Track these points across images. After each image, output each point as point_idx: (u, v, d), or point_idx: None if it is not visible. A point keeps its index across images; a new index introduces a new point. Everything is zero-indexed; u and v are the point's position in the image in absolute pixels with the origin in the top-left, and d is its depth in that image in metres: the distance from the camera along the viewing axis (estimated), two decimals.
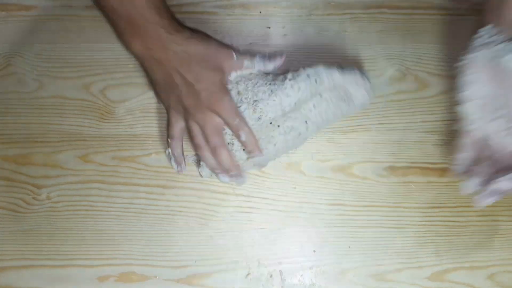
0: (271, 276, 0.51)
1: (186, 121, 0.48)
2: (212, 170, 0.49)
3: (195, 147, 0.49)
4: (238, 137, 0.47)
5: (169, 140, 0.50)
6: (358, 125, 0.53)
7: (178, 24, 0.47)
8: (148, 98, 0.53)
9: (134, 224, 0.51)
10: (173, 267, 0.51)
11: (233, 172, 0.49)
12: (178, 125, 0.49)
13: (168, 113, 0.50)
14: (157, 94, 0.51)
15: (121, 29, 0.46)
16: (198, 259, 0.51)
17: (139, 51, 0.46)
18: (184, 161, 0.51)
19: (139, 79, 0.54)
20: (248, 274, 0.51)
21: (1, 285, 0.50)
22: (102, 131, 0.53)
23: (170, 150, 0.50)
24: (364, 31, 0.55)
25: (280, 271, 0.51)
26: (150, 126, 0.53)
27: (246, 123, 0.47)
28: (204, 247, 0.51)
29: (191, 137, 0.49)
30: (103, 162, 0.52)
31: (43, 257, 0.51)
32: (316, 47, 0.54)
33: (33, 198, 0.52)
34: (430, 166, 0.53)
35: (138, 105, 0.53)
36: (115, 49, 0.54)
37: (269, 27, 0.55)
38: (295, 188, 0.52)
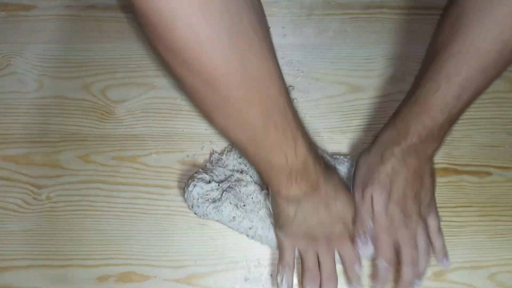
0: (271, 276, 0.51)
1: (306, 249, 0.47)
2: None
3: (307, 278, 0.47)
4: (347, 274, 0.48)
5: (281, 266, 0.48)
6: (358, 125, 0.53)
7: (326, 161, 0.48)
8: (148, 98, 0.53)
9: (134, 224, 0.51)
10: (173, 267, 0.51)
11: None
12: (293, 253, 0.48)
13: (283, 242, 0.48)
14: (288, 228, 0.47)
15: (277, 175, 0.43)
16: (198, 259, 0.51)
17: (293, 193, 0.44)
18: None
19: (139, 79, 0.54)
20: (248, 274, 0.51)
21: (1, 285, 0.50)
22: (102, 131, 0.53)
23: (280, 277, 0.48)
24: (364, 31, 0.55)
25: None
26: (150, 126, 0.53)
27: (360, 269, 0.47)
28: (204, 247, 0.51)
29: (305, 264, 0.48)
30: (103, 162, 0.52)
31: (43, 257, 0.51)
32: (316, 47, 0.54)
33: (33, 198, 0.52)
34: None
35: (138, 105, 0.53)
36: (115, 49, 0.54)
37: (269, 27, 0.55)
38: None
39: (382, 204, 0.45)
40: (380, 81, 0.54)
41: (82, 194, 0.52)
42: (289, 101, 0.40)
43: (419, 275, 0.46)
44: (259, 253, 0.51)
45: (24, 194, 0.52)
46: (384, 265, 0.46)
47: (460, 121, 0.53)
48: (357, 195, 0.47)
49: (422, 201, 0.46)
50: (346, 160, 0.51)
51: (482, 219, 0.52)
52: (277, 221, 0.47)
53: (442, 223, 0.51)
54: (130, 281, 0.50)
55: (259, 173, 0.45)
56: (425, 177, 0.46)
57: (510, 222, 0.52)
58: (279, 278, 0.48)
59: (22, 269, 0.51)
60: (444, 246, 0.48)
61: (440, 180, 0.52)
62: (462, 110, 0.43)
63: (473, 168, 0.53)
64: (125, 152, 0.53)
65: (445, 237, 0.51)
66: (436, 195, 0.52)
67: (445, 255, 0.48)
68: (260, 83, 0.36)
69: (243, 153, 0.43)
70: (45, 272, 0.51)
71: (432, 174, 0.47)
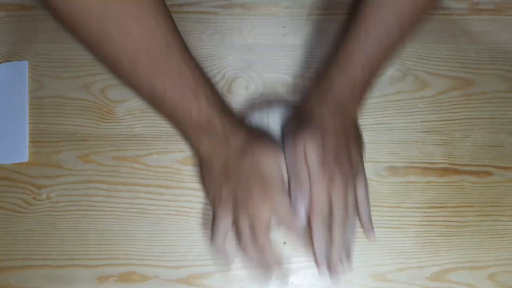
0: (271, 276, 0.51)
1: (235, 213, 0.45)
2: (253, 265, 0.46)
3: (241, 241, 0.46)
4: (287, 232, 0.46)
5: (212, 236, 0.47)
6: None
7: (233, 113, 0.47)
8: None
9: (134, 224, 0.51)
10: (173, 267, 0.51)
11: (275, 270, 0.46)
12: (225, 220, 0.46)
13: (214, 207, 0.47)
14: (208, 185, 0.48)
15: (186, 130, 0.45)
16: (198, 259, 0.51)
17: (205, 149, 0.45)
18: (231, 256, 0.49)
19: None
20: (248, 274, 0.51)
21: (1, 285, 0.50)
22: (102, 131, 0.53)
23: (215, 247, 0.47)
24: None
25: (281, 271, 0.51)
26: (150, 126, 0.53)
27: (295, 221, 0.45)
28: (204, 247, 0.51)
29: (237, 230, 0.46)
30: (103, 162, 0.52)
31: (43, 257, 0.51)
32: (316, 47, 0.54)
33: (33, 198, 0.52)
34: (430, 166, 0.53)
35: (138, 105, 0.53)
36: None
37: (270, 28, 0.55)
38: None
39: (318, 160, 0.43)
40: (380, 81, 0.54)
41: (82, 194, 0.52)
42: (186, 59, 0.41)
43: (347, 243, 0.45)
44: None
45: (24, 194, 0.52)
46: (319, 223, 0.44)
47: (460, 121, 0.53)
48: (290, 154, 0.45)
49: (352, 155, 0.45)
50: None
51: (482, 219, 0.52)
52: (204, 183, 0.48)
53: (442, 223, 0.52)
54: (130, 281, 0.50)
55: (175, 129, 0.46)
56: (352, 132, 0.47)
57: (510, 222, 0.52)
58: (213, 245, 0.47)
59: (22, 269, 0.51)
60: (370, 216, 0.47)
61: (440, 180, 0.52)
62: (380, 63, 0.45)
63: (473, 168, 0.53)
64: (125, 152, 0.53)
65: (445, 237, 0.51)
66: (436, 195, 0.52)
67: (371, 226, 0.47)
68: (143, 41, 0.38)
69: (154, 109, 0.45)
70: (45, 272, 0.51)
71: (359, 135, 0.48)
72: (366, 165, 0.52)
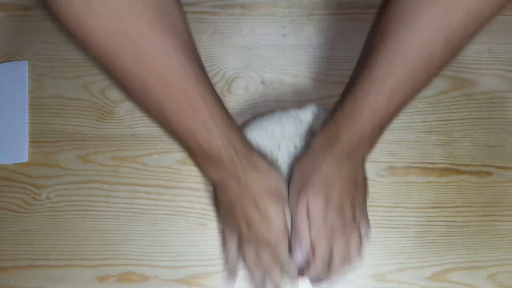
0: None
1: (241, 243, 0.47)
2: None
3: (247, 266, 0.47)
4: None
5: (224, 252, 0.49)
6: None
7: (248, 148, 0.45)
8: None
9: (134, 224, 0.51)
10: (173, 267, 0.51)
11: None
12: (232, 247, 0.48)
13: (223, 231, 0.49)
14: (218, 210, 0.49)
15: (194, 156, 0.44)
16: (198, 259, 0.51)
17: (212, 177, 0.45)
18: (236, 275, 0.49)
19: None
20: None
21: (1, 285, 0.50)
22: (102, 131, 0.53)
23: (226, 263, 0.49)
24: (364, 31, 0.55)
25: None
26: (150, 126, 0.53)
27: (293, 266, 0.46)
28: (204, 247, 0.51)
29: (244, 258, 0.47)
30: (103, 162, 0.52)
31: (43, 257, 0.51)
32: (316, 47, 0.54)
33: (33, 198, 0.52)
34: (430, 166, 0.53)
35: None
36: None
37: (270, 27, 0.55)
38: None
39: (319, 210, 0.43)
40: None
41: (82, 194, 0.52)
42: (199, 87, 0.40)
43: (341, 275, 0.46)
44: None
45: (24, 194, 0.52)
46: (318, 272, 0.45)
47: (460, 121, 0.53)
48: (292, 203, 0.45)
49: (357, 206, 0.46)
50: (311, 107, 0.50)
51: (482, 219, 0.52)
52: (216, 207, 0.49)
53: (442, 223, 0.52)
54: (130, 281, 0.50)
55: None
56: (359, 181, 0.46)
57: (510, 222, 0.52)
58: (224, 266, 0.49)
59: (22, 269, 0.51)
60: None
61: (440, 180, 0.52)
62: (391, 116, 0.43)
63: (473, 168, 0.52)
64: (125, 152, 0.53)
65: (445, 237, 0.51)
66: (436, 195, 0.52)
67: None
68: (155, 65, 0.38)
69: (164, 131, 0.45)
70: (45, 272, 0.51)
71: (365, 177, 0.47)
72: (366, 165, 0.52)
